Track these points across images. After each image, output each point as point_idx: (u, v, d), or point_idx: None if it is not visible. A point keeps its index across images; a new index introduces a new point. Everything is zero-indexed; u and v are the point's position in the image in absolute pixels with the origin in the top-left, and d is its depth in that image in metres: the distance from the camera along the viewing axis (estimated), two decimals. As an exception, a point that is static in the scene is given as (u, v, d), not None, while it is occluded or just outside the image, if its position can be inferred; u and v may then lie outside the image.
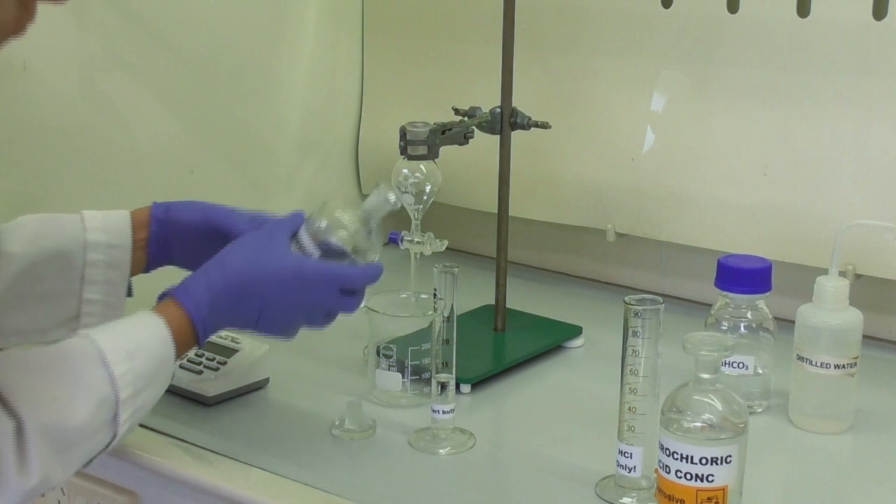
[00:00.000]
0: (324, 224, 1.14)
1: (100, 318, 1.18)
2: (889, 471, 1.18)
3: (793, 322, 1.24)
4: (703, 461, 0.99)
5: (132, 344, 1.04)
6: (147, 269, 1.23)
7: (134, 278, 1.22)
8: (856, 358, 1.22)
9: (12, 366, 1.00)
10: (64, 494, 1.23)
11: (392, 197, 1.15)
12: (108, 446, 1.03)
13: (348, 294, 1.13)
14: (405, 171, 1.33)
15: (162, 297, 1.10)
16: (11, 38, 0.90)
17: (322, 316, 1.14)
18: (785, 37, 1.43)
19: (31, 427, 0.95)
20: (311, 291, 1.11)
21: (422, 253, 1.34)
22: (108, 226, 1.20)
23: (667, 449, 1.01)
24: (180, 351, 1.07)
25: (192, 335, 1.08)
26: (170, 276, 1.17)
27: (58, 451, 0.97)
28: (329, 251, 1.13)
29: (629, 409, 1.07)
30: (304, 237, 1.14)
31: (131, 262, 1.20)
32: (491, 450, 1.18)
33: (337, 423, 1.21)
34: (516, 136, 1.42)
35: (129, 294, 1.22)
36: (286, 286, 1.10)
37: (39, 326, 1.18)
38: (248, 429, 1.23)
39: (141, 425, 1.22)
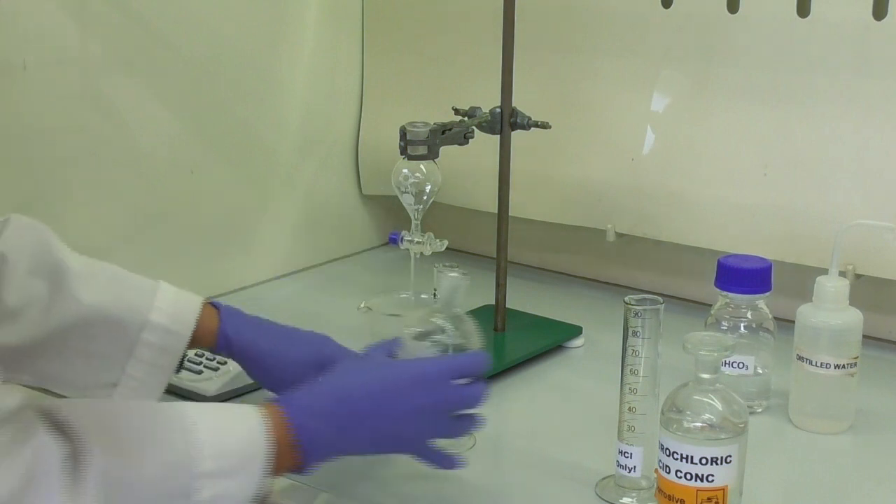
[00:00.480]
0: (416, 334, 1.10)
1: (136, 394, 1.14)
2: (889, 471, 1.18)
3: (793, 322, 1.24)
4: (703, 461, 0.99)
5: (220, 417, 0.96)
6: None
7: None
8: (856, 358, 1.22)
9: (87, 405, 0.95)
10: None
11: (456, 273, 1.11)
12: None
13: (468, 385, 1.06)
14: (405, 171, 1.33)
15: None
16: None
17: (446, 417, 1.05)
18: (785, 37, 1.43)
19: (93, 459, 0.87)
20: (431, 389, 1.04)
21: (422, 253, 1.34)
22: (174, 310, 1.14)
23: (667, 449, 1.01)
24: (279, 454, 0.97)
25: (293, 442, 0.98)
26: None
27: (121, 501, 0.88)
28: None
29: (629, 409, 1.07)
30: (406, 355, 1.09)
31: (187, 347, 1.15)
32: (491, 450, 1.18)
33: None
34: (516, 136, 1.42)
35: (179, 370, 1.17)
36: (403, 390, 1.03)
37: (77, 381, 1.13)
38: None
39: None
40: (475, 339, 1.12)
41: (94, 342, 1.12)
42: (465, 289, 1.10)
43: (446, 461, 1.07)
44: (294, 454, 0.99)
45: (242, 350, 1.17)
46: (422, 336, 1.10)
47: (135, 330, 1.13)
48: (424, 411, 1.03)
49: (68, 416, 0.89)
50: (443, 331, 1.11)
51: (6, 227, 1.12)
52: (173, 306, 1.15)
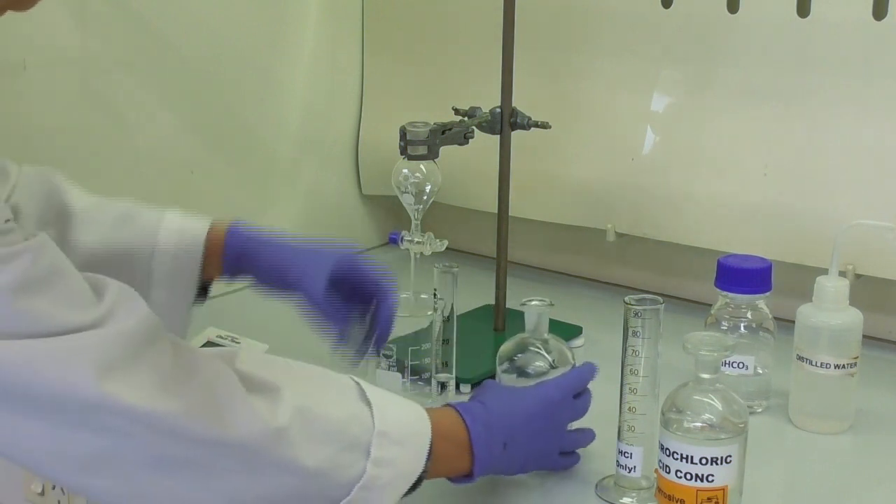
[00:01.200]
0: (519, 364, 1.15)
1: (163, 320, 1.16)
2: (889, 471, 1.18)
3: (793, 322, 1.24)
4: (703, 461, 0.99)
5: (391, 397, 1.00)
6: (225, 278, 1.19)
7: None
8: (856, 358, 1.22)
9: (265, 357, 1.00)
10: (64, 494, 1.23)
11: (537, 301, 1.14)
12: (350, 492, 0.94)
13: (578, 398, 1.12)
14: (405, 171, 1.33)
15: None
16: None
17: (564, 433, 1.11)
18: (785, 37, 1.43)
19: (282, 394, 0.92)
20: (558, 409, 1.10)
21: (422, 253, 1.34)
22: (180, 235, 1.15)
23: (667, 449, 1.01)
24: (453, 453, 1.02)
25: (468, 444, 1.03)
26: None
27: (310, 431, 0.91)
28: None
29: (629, 409, 1.07)
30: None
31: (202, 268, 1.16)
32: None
33: None
34: (516, 136, 1.42)
35: (204, 295, 1.18)
36: (542, 414, 1.08)
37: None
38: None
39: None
40: (568, 355, 1.16)
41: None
42: (548, 314, 1.15)
43: (568, 462, 1.13)
44: (467, 456, 1.03)
45: (249, 268, 1.17)
46: (522, 369, 1.15)
47: (145, 260, 1.13)
48: (556, 430, 1.10)
49: (252, 362, 0.94)
50: (541, 358, 1.15)
51: (18, 179, 1.12)
52: (178, 233, 1.15)
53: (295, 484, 0.91)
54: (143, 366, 0.87)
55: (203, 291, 1.18)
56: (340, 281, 1.12)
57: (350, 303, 1.14)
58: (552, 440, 1.10)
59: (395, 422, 0.97)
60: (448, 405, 1.06)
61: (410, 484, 0.98)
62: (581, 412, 1.12)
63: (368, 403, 0.97)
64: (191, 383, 0.89)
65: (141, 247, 1.14)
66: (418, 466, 0.98)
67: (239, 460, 0.89)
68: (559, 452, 1.12)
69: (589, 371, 1.13)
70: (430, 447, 0.99)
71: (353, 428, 0.95)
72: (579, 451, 1.14)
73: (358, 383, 0.99)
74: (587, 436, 1.14)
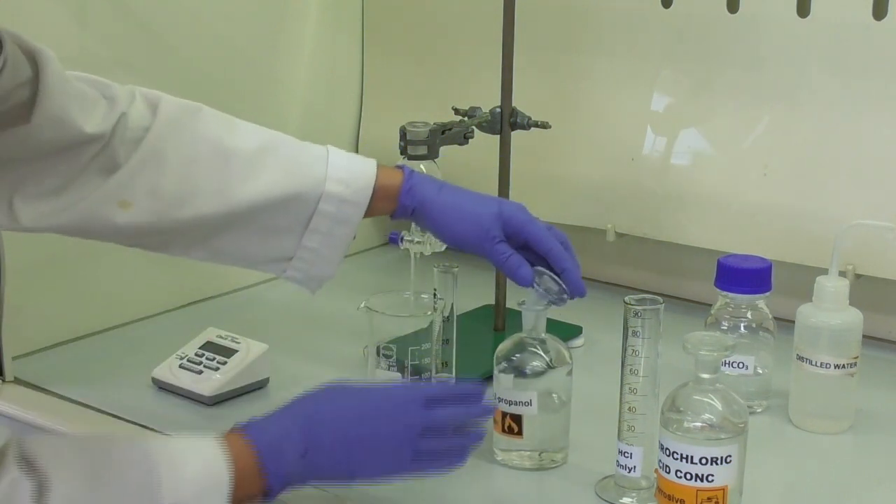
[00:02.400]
0: (516, 364, 1.15)
1: (309, 266, 1.16)
2: (889, 471, 1.18)
3: (793, 322, 1.24)
4: (703, 461, 0.99)
5: (179, 454, 0.96)
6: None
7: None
8: (856, 358, 1.22)
9: (49, 441, 0.96)
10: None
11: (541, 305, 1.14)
12: None
13: (433, 409, 1.05)
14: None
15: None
16: None
17: (415, 437, 1.03)
18: (785, 37, 1.43)
19: (57, 493, 0.88)
20: (401, 411, 1.03)
21: (422, 253, 1.34)
22: (350, 179, 1.16)
23: (667, 449, 1.01)
24: (243, 481, 0.96)
25: (258, 469, 0.97)
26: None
27: None
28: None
29: (629, 409, 1.07)
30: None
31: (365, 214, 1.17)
32: (491, 449, 1.18)
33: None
34: (516, 136, 1.42)
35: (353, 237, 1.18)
36: (368, 409, 1.03)
37: (252, 256, 1.17)
38: (248, 429, 1.23)
39: (140, 425, 1.22)
40: (565, 354, 1.15)
41: (271, 220, 1.15)
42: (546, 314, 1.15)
43: (444, 465, 1.06)
44: (260, 481, 0.97)
45: (423, 211, 1.17)
46: (519, 369, 1.14)
47: (311, 203, 1.15)
48: (399, 433, 1.02)
49: (36, 452, 0.90)
50: (538, 357, 1.14)
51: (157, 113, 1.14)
52: (347, 173, 1.16)
53: None
54: None
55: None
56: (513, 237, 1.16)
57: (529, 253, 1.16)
58: (394, 442, 1.02)
59: (191, 482, 0.93)
60: (234, 428, 1.00)
61: None
62: (438, 422, 1.04)
63: (157, 479, 0.92)
64: None
65: (308, 193, 1.15)
66: None
67: None
68: (412, 459, 1.03)
69: (465, 388, 1.09)
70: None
71: None
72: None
73: (146, 448, 0.95)
74: (461, 449, 1.06)
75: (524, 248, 1.17)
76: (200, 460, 0.95)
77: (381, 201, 1.18)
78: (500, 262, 1.15)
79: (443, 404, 1.05)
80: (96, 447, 0.96)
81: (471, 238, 1.16)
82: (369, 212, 1.18)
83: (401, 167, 1.20)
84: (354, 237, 1.20)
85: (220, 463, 0.95)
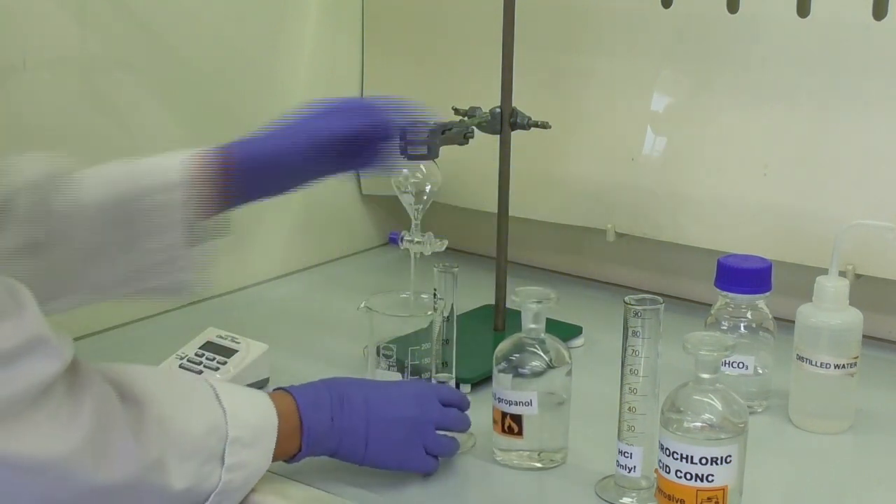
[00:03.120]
0: (516, 364, 1.15)
1: (171, 266, 1.14)
2: (889, 471, 1.18)
3: (793, 322, 1.24)
4: (703, 461, 0.99)
5: (241, 396, 1.06)
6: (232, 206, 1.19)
7: None
8: (856, 358, 1.22)
9: (130, 368, 1.02)
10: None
11: (534, 302, 1.14)
12: (209, 498, 1.00)
13: (448, 407, 1.15)
14: (405, 171, 1.33)
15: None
16: None
17: (430, 431, 1.12)
18: (785, 37, 1.43)
19: (150, 410, 0.96)
20: (421, 404, 1.12)
21: (422, 253, 1.34)
22: (153, 169, 1.17)
23: (667, 449, 1.01)
24: (284, 437, 1.06)
25: (296, 420, 1.07)
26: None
27: (173, 448, 0.96)
28: None
29: (629, 409, 1.07)
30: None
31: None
32: (491, 449, 1.18)
33: None
34: (516, 136, 1.42)
35: (223, 231, 1.17)
36: (395, 400, 1.11)
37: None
38: (248, 429, 1.23)
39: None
40: (565, 354, 1.16)
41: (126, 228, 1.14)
42: (545, 313, 1.15)
43: (430, 465, 1.13)
44: (296, 440, 1.07)
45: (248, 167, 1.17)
46: (519, 368, 1.15)
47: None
48: (414, 421, 1.11)
49: (117, 374, 0.98)
50: (538, 357, 1.15)
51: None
52: (154, 168, 1.16)
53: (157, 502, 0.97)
54: (32, 412, 0.89)
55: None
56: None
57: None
58: (411, 432, 1.11)
59: (246, 424, 1.03)
60: (279, 388, 1.10)
61: (259, 478, 1.05)
62: (450, 422, 1.14)
63: (223, 408, 1.01)
64: (76, 423, 0.91)
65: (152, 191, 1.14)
66: (266, 463, 1.05)
67: (120, 498, 0.94)
68: (425, 451, 1.12)
69: (465, 400, 1.17)
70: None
71: (211, 440, 1.00)
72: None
73: (213, 386, 1.03)
74: (451, 444, 1.14)
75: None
76: (258, 407, 1.05)
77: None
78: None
79: (453, 406, 1.15)
80: (172, 377, 1.07)
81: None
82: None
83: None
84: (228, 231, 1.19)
85: (272, 413, 1.05)
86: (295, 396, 1.08)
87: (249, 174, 1.17)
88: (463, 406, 1.17)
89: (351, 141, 1.20)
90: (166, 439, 0.96)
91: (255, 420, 1.04)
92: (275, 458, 1.06)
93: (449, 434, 1.15)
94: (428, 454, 1.12)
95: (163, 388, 1.00)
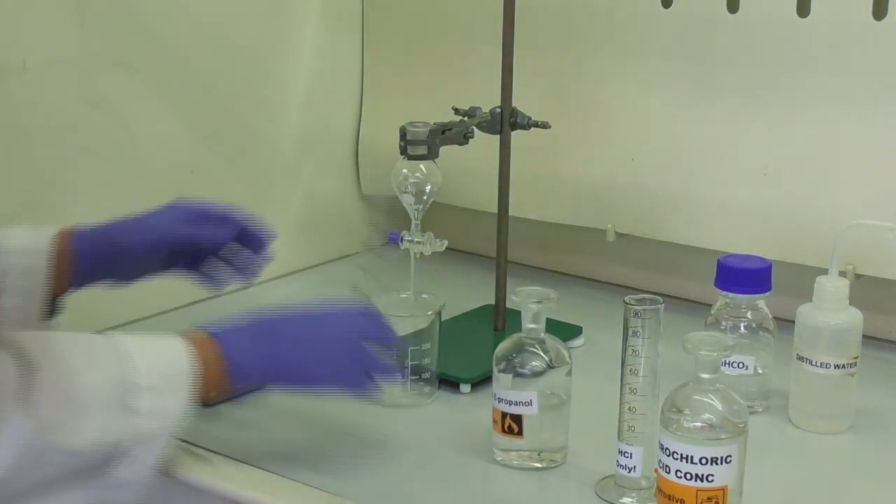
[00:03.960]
0: (516, 364, 1.15)
1: (18, 327, 1.17)
2: (889, 471, 1.18)
3: (793, 322, 1.24)
4: (703, 461, 0.99)
5: (148, 343, 1.06)
6: (78, 286, 1.23)
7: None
8: (856, 358, 1.22)
9: (44, 337, 1.03)
10: (64, 494, 1.23)
11: (534, 302, 1.14)
12: (124, 444, 1.01)
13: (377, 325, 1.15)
14: (405, 171, 1.33)
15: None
16: None
17: (365, 351, 1.13)
18: (785, 37, 1.43)
19: (42, 372, 0.97)
20: (350, 323, 1.13)
21: (422, 253, 1.34)
22: (25, 234, 1.20)
23: (667, 449, 1.01)
24: (208, 376, 1.06)
25: (221, 364, 1.07)
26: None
27: (68, 405, 0.98)
28: None
29: (629, 409, 1.07)
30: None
31: (53, 276, 1.19)
32: (491, 449, 1.18)
33: None
34: (516, 136, 1.42)
35: (57, 311, 1.22)
36: (323, 321, 1.13)
37: None
38: (248, 429, 1.23)
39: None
40: (565, 354, 1.15)
41: None
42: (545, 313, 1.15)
43: (369, 386, 1.13)
44: (222, 377, 1.08)
45: (92, 258, 1.21)
46: (519, 368, 1.14)
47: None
48: (345, 341, 1.12)
49: (15, 338, 0.99)
50: (538, 357, 1.14)
51: None
52: (23, 233, 1.19)
53: (72, 463, 0.99)
54: None
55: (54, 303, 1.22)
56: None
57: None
58: (345, 352, 1.11)
59: (155, 372, 1.03)
60: (195, 326, 1.11)
61: (184, 421, 1.05)
62: (380, 335, 1.14)
63: (126, 358, 1.02)
64: None
65: None
66: (185, 407, 1.05)
67: (19, 465, 0.95)
68: (363, 373, 1.12)
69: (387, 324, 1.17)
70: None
71: (111, 391, 1.00)
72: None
73: (118, 340, 1.05)
74: (391, 365, 1.15)
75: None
76: (168, 353, 1.06)
77: (60, 258, 1.20)
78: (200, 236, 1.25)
79: (379, 323, 1.16)
80: (73, 337, 1.04)
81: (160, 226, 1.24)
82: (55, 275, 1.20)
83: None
84: (58, 310, 1.22)
85: (185, 353, 1.06)
86: (215, 334, 1.08)
87: (94, 257, 1.22)
88: (387, 324, 1.16)
89: (194, 247, 1.26)
90: (60, 399, 0.97)
91: (164, 366, 1.04)
92: (203, 400, 1.07)
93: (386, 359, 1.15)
94: (366, 376, 1.13)
95: (63, 350, 1.01)
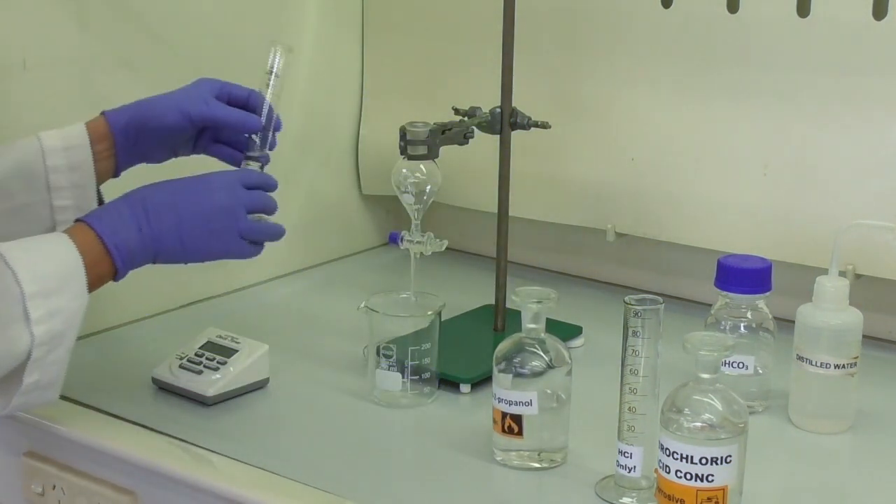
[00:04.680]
0: (516, 364, 1.15)
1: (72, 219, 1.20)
2: (889, 471, 1.18)
3: (793, 322, 1.24)
4: (703, 461, 0.99)
5: (33, 248, 1.08)
6: (116, 174, 1.26)
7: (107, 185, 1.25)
8: (856, 358, 1.22)
9: None
10: (64, 494, 1.23)
11: (534, 302, 1.15)
12: (30, 355, 1.04)
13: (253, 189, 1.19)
14: (405, 171, 1.33)
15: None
16: None
17: (242, 217, 1.17)
18: (785, 37, 1.43)
19: None
20: (227, 190, 1.17)
21: (422, 253, 1.34)
22: (62, 133, 1.22)
23: (667, 449, 1.01)
24: (94, 266, 1.10)
25: (100, 247, 1.11)
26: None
27: None
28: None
29: (629, 409, 1.07)
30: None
31: (96, 168, 1.22)
32: (491, 449, 1.18)
33: None
34: (516, 136, 1.42)
35: (101, 201, 1.24)
36: (200, 190, 1.16)
37: (21, 234, 1.18)
38: (248, 429, 1.24)
39: (140, 425, 1.22)
40: (565, 354, 1.15)
41: (13, 197, 1.19)
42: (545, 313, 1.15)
43: (252, 250, 1.19)
44: (108, 263, 1.11)
45: (140, 120, 1.23)
46: (519, 368, 1.14)
47: (39, 163, 1.20)
48: (223, 209, 1.16)
49: None
50: (538, 357, 1.14)
51: None
52: (59, 132, 1.22)
53: None
54: None
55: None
56: (217, 97, 1.26)
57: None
58: (224, 221, 1.15)
59: (44, 275, 1.06)
60: (80, 221, 1.12)
61: (83, 313, 1.08)
62: (258, 203, 1.18)
63: (10, 269, 1.04)
64: None
65: (30, 157, 1.20)
66: (83, 300, 1.08)
67: None
68: (241, 237, 1.17)
69: (268, 176, 1.22)
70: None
71: (5, 306, 1.03)
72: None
73: (3, 252, 1.05)
74: (273, 228, 1.20)
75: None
76: (53, 253, 1.08)
77: (100, 141, 1.23)
78: (226, 119, 1.24)
79: (258, 189, 1.20)
80: None
81: (191, 107, 1.24)
82: (98, 159, 1.22)
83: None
84: (102, 201, 1.23)
85: (66, 249, 1.08)
86: (92, 224, 1.11)
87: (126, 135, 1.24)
88: (269, 187, 1.21)
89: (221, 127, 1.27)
90: None
91: (53, 267, 1.07)
92: (93, 288, 1.10)
93: (266, 218, 1.19)
94: (246, 241, 1.17)
95: None
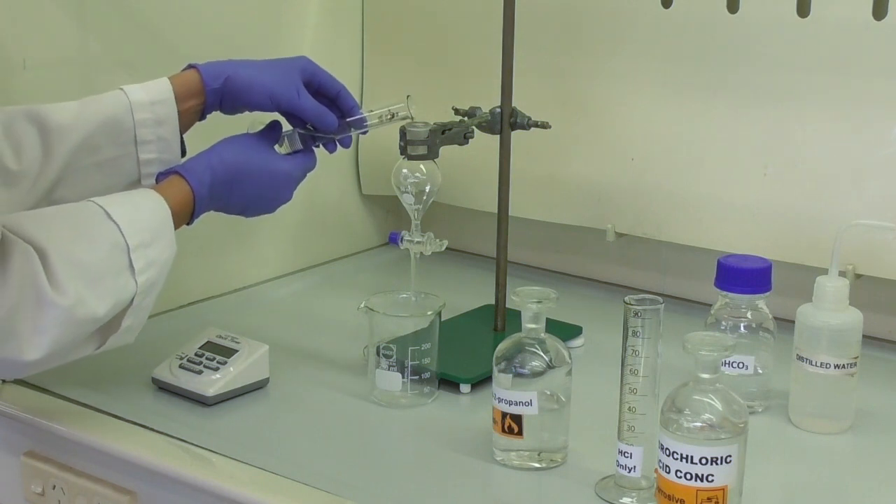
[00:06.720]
0: (516, 364, 1.15)
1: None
2: (889, 471, 1.18)
3: (793, 322, 1.24)
4: (703, 461, 0.99)
5: (128, 202, 1.15)
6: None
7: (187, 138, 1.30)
8: (856, 358, 1.22)
9: (27, 216, 1.11)
10: (64, 494, 1.23)
11: (534, 302, 1.15)
12: (133, 299, 1.13)
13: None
14: (405, 171, 1.33)
15: (165, 174, 1.22)
16: None
17: (293, 192, 1.30)
18: (785, 37, 1.43)
19: (54, 255, 1.06)
20: (279, 186, 1.27)
21: (422, 253, 1.34)
22: (146, 88, 1.26)
23: (667, 449, 1.01)
24: (178, 218, 1.18)
25: (189, 206, 1.20)
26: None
27: (85, 281, 1.08)
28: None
29: (629, 409, 1.07)
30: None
31: (181, 121, 1.27)
32: (491, 449, 1.18)
33: None
34: (516, 136, 1.42)
35: (184, 153, 1.28)
36: (263, 180, 1.25)
37: (104, 195, 1.22)
38: (248, 429, 1.24)
39: (140, 425, 1.22)
40: (565, 354, 1.15)
41: (100, 151, 1.24)
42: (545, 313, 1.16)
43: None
44: (187, 215, 1.21)
45: (232, 86, 1.28)
46: (519, 368, 1.14)
47: (127, 117, 1.24)
48: (283, 199, 1.29)
49: (15, 224, 1.07)
50: (538, 357, 1.14)
51: None
52: (144, 87, 1.26)
53: (96, 326, 1.11)
54: None
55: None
56: (307, 84, 1.31)
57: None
58: (278, 202, 1.29)
59: (143, 228, 1.14)
60: (169, 171, 1.22)
61: (171, 262, 1.17)
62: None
63: (115, 223, 1.12)
64: (5, 287, 1.04)
65: (118, 111, 1.24)
66: (172, 249, 1.17)
67: (59, 342, 1.07)
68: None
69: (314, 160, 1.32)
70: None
71: (115, 257, 1.11)
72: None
73: (101, 206, 1.12)
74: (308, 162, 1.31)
75: (317, 94, 1.32)
76: (149, 208, 1.16)
77: (189, 98, 1.27)
78: (309, 113, 1.29)
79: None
80: (67, 213, 1.13)
81: (281, 95, 1.28)
82: (188, 114, 1.28)
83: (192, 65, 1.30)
84: (184, 152, 1.29)
85: (163, 207, 1.16)
86: (192, 185, 1.19)
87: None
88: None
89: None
90: (77, 276, 1.07)
91: (149, 221, 1.15)
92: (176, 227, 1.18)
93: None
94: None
95: (59, 226, 1.10)
